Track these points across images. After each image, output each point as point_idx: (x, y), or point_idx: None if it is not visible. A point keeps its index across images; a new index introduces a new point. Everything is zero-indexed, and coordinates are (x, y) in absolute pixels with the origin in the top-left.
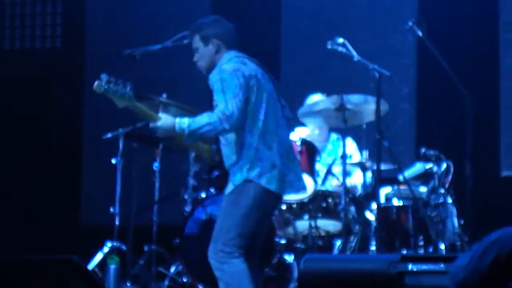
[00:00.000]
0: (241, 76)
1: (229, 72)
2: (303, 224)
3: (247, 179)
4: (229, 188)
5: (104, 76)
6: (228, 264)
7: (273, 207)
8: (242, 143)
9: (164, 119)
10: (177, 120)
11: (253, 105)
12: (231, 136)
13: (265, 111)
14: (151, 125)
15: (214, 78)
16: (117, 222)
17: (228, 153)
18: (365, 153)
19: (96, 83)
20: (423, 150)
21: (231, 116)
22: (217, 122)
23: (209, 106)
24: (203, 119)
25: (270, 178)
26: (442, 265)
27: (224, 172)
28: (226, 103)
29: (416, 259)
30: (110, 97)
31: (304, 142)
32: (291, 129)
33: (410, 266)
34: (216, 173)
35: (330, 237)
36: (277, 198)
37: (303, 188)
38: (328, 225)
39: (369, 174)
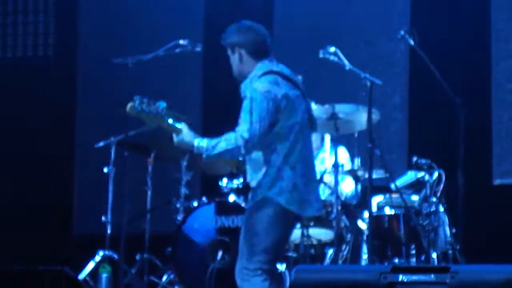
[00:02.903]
0: (271, 99)
1: (261, 93)
2: (295, 233)
3: (267, 196)
4: (249, 203)
5: (137, 98)
6: (249, 282)
7: (291, 227)
8: (266, 161)
9: (183, 137)
10: (196, 142)
11: (282, 127)
12: (256, 154)
13: (295, 132)
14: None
15: (244, 93)
16: (109, 231)
17: (251, 169)
18: (357, 162)
19: (129, 105)
20: (415, 158)
21: (250, 141)
22: (235, 149)
23: (200, 114)
24: (222, 144)
25: (290, 199)
26: (432, 276)
27: (246, 181)
28: (250, 125)
29: (407, 270)
30: (143, 119)
31: None
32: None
33: (401, 277)
34: (238, 181)
35: (322, 246)
36: (296, 218)
37: (321, 209)
38: (320, 233)
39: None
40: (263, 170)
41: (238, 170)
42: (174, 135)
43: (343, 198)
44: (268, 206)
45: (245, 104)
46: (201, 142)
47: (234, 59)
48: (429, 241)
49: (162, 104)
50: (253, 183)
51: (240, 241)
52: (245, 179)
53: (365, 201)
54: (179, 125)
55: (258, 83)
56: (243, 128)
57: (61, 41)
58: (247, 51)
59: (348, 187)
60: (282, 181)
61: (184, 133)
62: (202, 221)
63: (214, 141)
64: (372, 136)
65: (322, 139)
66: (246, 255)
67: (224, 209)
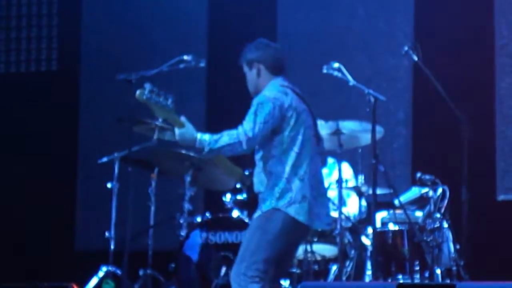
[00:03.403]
0: (277, 106)
1: (268, 98)
2: (297, 249)
3: (276, 207)
4: (257, 213)
5: (147, 85)
6: None
7: (300, 237)
8: (272, 172)
9: (185, 130)
10: (198, 136)
11: (288, 137)
12: (263, 165)
13: (301, 144)
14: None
15: (254, 101)
16: (112, 247)
17: (259, 180)
18: (361, 178)
19: (138, 91)
20: (418, 174)
21: (252, 139)
22: (237, 144)
23: (204, 129)
24: (224, 139)
25: (299, 209)
26: None
27: (251, 196)
28: (253, 125)
29: (412, 287)
30: (151, 107)
31: None
32: (324, 163)
33: None
34: (244, 196)
35: (326, 262)
36: (305, 229)
37: (330, 224)
38: (324, 249)
39: (364, 203)
40: (271, 180)
41: (242, 185)
42: (176, 129)
43: (350, 218)
44: (277, 217)
45: (252, 107)
46: (203, 136)
47: (251, 74)
48: (433, 257)
49: (171, 97)
50: (260, 196)
51: (242, 246)
52: (248, 194)
53: (369, 217)
54: (182, 119)
55: (267, 91)
56: (246, 126)
57: (64, 57)
58: (265, 66)
59: (353, 206)
60: (291, 192)
61: (187, 126)
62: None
63: (216, 136)
64: (376, 152)
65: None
66: (246, 261)
67: (227, 224)
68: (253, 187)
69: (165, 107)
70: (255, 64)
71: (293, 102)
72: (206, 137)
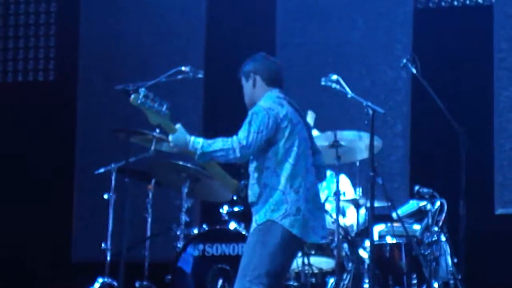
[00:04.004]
0: (272, 116)
1: (263, 108)
2: (296, 261)
3: (271, 219)
4: (253, 226)
5: (142, 90)
6: None
7: (295, 251)
8: (266, 184)
9: (178, 135)
10: (192, 138)
11: (282, 148)
12: (257, 176)
13: (296, 156)
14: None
15: (249, 111)
16: (108, 258)
17: (253, 192)
18: (359, 190)
19: (133, 95)
20: (417, 187)
21: (247, 147)
22: (230, 150)
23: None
24: (218, 143)
25: (294, 222)
26: None
27: (248, 208)
28: (248, 134)
29: None
30: (145, 112)
31: None
32: (323, 177)
33: None
34: (241, 208)
35: (323, 275)
36: (300, 243)
37: (325, 237)
38: (321, 262)
39: (362, 212)
40: (265, 192)
41: (237, 197)
42: (170, 135)
43: (347, 230)
44: (274, 230)
45: (247, 117)
46: (197, 139)
47: (247, 85)
48: (430, 271)
49: (166, 104)
50: (253, 208)
51: (243, 261)
52: (244, 206)
53: (367, 229)
54: (176, 126)
55: (263, 101)
56: (240, 135)
57: (62, 67)
58: (261, 77)
59: (352, 219)
60: (286, 204)
61: (180, 131)
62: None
63: (210, 140)
64: (374, 165)
65: None
66: (249, 276)
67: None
68: (248, 199)
69: (159, 112)
70: (252, 75)
71: (288, 113)
72: (200, 140)
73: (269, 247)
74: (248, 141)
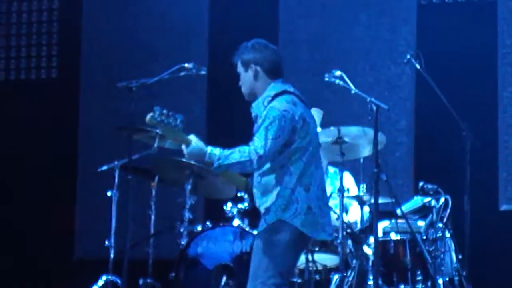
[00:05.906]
0: (289, 119)
1: (279, 111)
2: (300, 258)
3: (281, 219)
4: (262, 226)
5: (157, 109)
6: None
7: (304, 248)
8: (280, 182)
9: (194, 147)
10: (208, 150)
11: (297, 148)
12: (267, 177)
13: (309, 154)
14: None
15: (260, 111)
16: (112, 255)
17: (259, 193)
18: (363, 187)
19: (149, 115)
20: (421, 184)
21: (264, 157)
22: (247, 162)
23: (205, 137)
24: (235, 155)
25: (304, 221)
26: None
27: (253, 205)
28: (265, 142)
29: None
30: (161, 129)
31: None
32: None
33: None
34: (245, 205)
35: (327, 271)
36: (308, 239)
37: (332, 234)
38: (325, 259)
39: (366, 209)
40: (276, 191)
41: (246, 193)
42: (184, 147)
43: (351, 226)
44: (284, 229)
45: (262, 121)
46: (214, 150)
47: (247, 76)
48: (435, 267)
49: (180, 117)
50: (263, 207)
51: (253, 263)
52: (250, 203)
53: (371, 226)
54: (190, 137)
55: (276, 102)
56: (258, 144)
57: (64, 64)
58: (263, 68)
59: (355, 216)
60: (297, 203)
61: (195, 142)
62: (206, 245)
63: (227, 151)
64: (378, 161)
65: (327, 165)
66: (261, 277)
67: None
68: (254, 199)
69: (175, 127)
70: (252, 65)
71: (302, 112)
72: (217, 151)
73: (279, 247)
74: (265, 150)
